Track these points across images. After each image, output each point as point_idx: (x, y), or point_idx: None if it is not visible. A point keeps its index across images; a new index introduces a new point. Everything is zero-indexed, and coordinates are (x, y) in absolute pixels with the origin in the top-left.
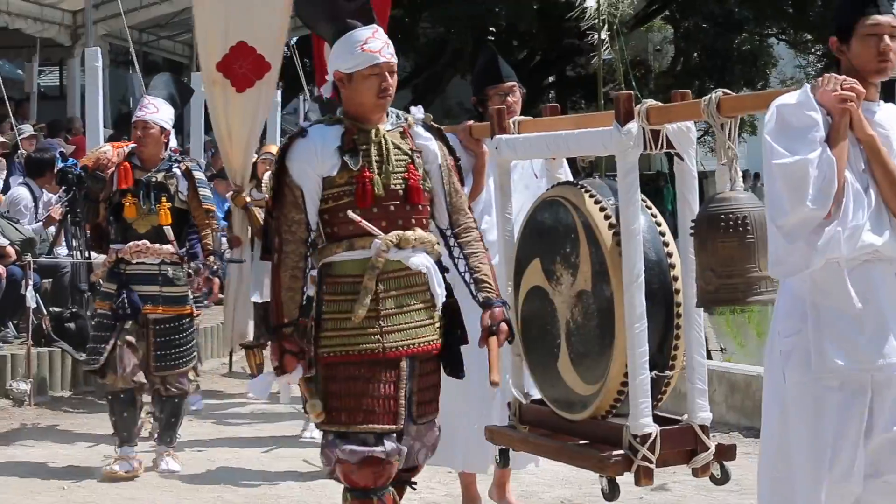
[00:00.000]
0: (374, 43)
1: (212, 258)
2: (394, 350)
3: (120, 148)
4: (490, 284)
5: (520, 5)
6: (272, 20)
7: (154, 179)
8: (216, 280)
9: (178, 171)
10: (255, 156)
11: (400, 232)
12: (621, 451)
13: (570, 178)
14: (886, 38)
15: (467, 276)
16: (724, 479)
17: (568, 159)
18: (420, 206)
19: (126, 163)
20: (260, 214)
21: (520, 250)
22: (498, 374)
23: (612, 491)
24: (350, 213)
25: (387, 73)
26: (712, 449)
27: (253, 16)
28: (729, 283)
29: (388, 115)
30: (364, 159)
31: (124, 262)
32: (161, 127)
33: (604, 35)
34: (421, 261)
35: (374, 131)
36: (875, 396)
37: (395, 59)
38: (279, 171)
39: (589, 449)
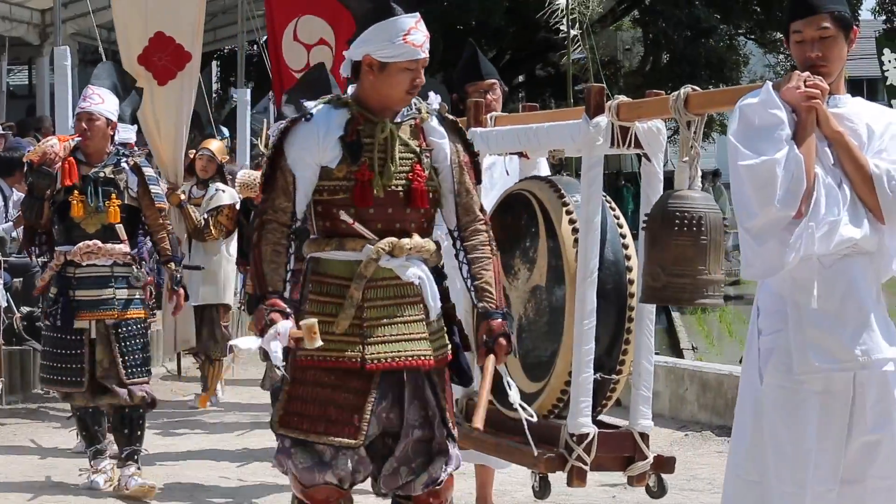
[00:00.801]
0: (416, 35)
1: (171, 265)
2: (374, 362)
3: (66, 141)
4: (491, 293)
5: (490, 2)
6: (189, 9)
7: (101, 175)
8: (181, 291)
9: (126, 166)
10: (193, 151)
11: (394, 239)
12: (557, 450)
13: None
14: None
15: (469, 282)
16: (660, 492)
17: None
18: (422, 210)
19: (70, 158)
20: (195, 213)
21: None
22: (481, 417)
23: (542, 489)
24: (344, 216)
25: (420, 69)
26: (650, 459)
27: (170, 5)
28: (677, 283)
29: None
30: (366, 155)
31: (73, 264)
32: (107, 118)
33: (574, 33)
34: (413, 272)
35: (381, 126)
36: (856, 397)
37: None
38: (275, 153)
39: (524, 446)
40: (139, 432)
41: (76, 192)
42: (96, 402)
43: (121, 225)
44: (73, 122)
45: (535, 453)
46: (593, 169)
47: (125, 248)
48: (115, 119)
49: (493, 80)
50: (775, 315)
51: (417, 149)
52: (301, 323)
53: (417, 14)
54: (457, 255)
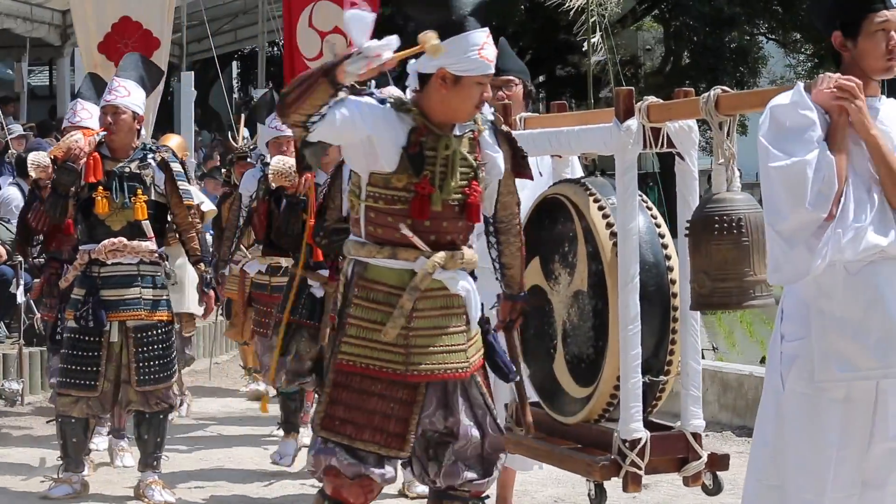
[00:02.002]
0: (489, 50)
1: (202, 265)
2: (416, 374)
3: (91, 136)
4: (517, 281)
5: (508, 4)
6: None
7: (127, 170)
8: (211, 293)
9: (153, 162)
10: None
11: (448, 253)
12: (611, 456)
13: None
14: (894, 33)
15: (496, 265)
16: (715, 489)
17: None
18: (471, 224)
19: (95, 153)
20: None
21: None
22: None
23: (598, 496)
24: (403, 230)
25: (489, 84)
26: (704, 458)
27: None
28: (723, 287)
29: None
30: (429, 169)
31: (98, 263)
32: (133, 112)
33: (595, 39)
34: (462, 284)
35: (444, 141)
36: (878, 404)
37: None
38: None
39: (578, 453)
40: (159, 439)
41: (101, 188)
42: (109, 409)
43: (147, 221)
44: (99, 115)
45: (589, 460)
46: (628, 173)
47: (152, 245)
48: (141, 112)
49: (509, 77)
50: (799, 321)
51: (475, 163)
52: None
53: (487, 28)
54: (488, 239)
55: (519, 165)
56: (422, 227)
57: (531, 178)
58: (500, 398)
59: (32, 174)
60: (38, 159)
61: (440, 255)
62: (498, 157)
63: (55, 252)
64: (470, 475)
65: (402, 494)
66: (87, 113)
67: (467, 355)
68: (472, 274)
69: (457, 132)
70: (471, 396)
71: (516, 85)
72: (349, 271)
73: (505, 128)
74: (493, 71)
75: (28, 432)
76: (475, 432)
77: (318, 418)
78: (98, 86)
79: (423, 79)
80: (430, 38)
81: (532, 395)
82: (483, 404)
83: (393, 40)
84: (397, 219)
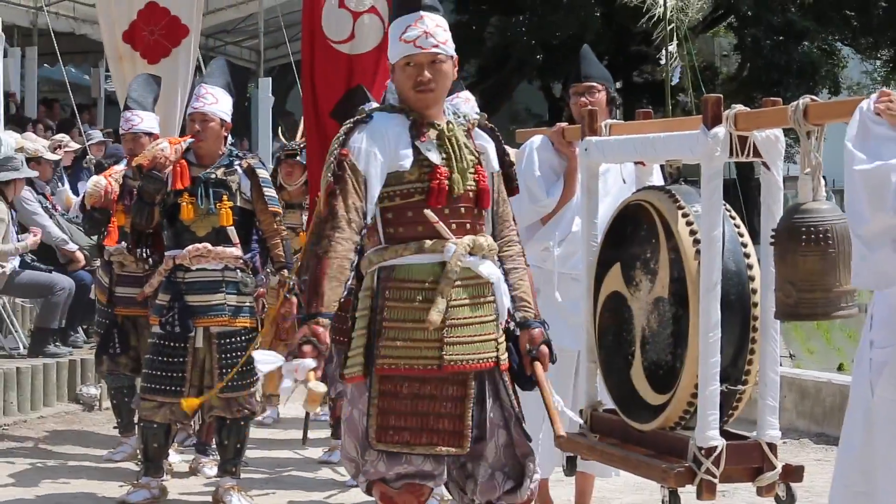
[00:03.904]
0: (411, 31)
1: (285, 272)
2: (452, 364)
3: (177, 144)
4: (529, 303)
5: (584, 13)
6: None
7: (213, 177)
8: (293, 299)
9: (239, 169)
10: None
11: (474, 237)
12: (685, 464)
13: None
14: None
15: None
16: (789, 500)
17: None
18: (485, 212)
19: (182, 160)
20: None
21: (601, 255)
22: (559, 425)
23: (672, 503)
24: (428, 213)
25: (424, 65)
26: (779, 469)
27: None
28: (809, 298)
29: (445, 112)
30: (441, 156)
31: (182, 268)
32: (221, 119)
33: (672, 48)
34: (491, 270)
35: (445, 125)
36: None
37: (441, 49)
38: (341, 154)
39: (654, 459)
40: (239, 445)
41: (186, 194)
42: (192, 416)
43: (233, 228)
44: (187, 122)
45: (664, 467)
46: (713, 180)
47: (237, 251)
48: (229, 119)
49: (592, 84)
50: (889, 327)
51: (475, 151)
52: (311, 385)
53: (420, 12)
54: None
55: (507, 174)
56: (441, 215)
57: (517, 192)
58: (577, 403)
59: (86, 203)
60: (91, 188)
61: (468, 239)
62: (490, 148)
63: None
64: (507, 485)
65: None
66: (212, 98)
67: (497, 344)
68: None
69: (452, 121)
70: (501, 395)
71: (599, 91)
72: (373, 282)
73: (491, 125)
74: (413, 52)
75: (106, 437)
76: (503, 434)
77: (372, 432)
78: (150, 87)
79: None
80: (316, 386)
81: (608, 402)
82: (510, 406)
83: (302, 365)
84: (416, 212)
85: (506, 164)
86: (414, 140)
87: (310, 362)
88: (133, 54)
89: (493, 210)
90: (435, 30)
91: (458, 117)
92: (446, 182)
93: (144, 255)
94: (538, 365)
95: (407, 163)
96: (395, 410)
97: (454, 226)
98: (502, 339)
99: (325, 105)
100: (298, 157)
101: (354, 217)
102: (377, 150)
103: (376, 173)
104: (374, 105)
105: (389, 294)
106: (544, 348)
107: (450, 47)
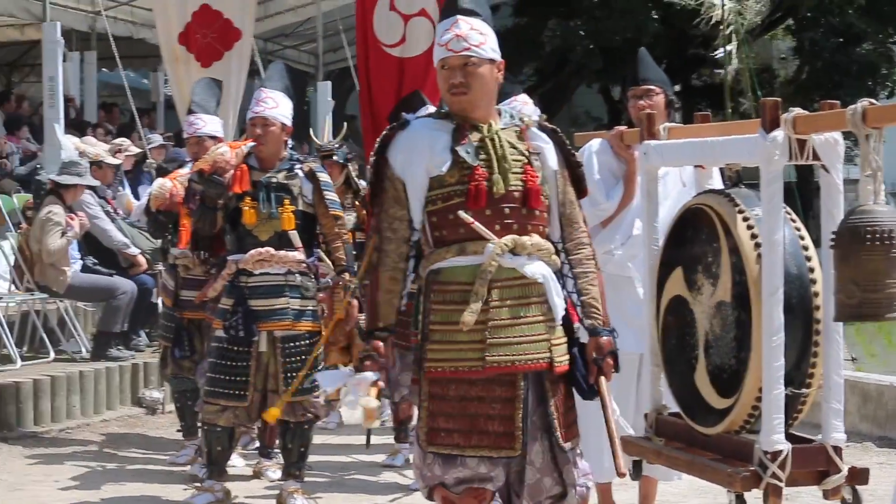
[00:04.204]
0: (445, 35)
1: (346, 275)
2: (495, 365)
3: (237, 148)
4: (598, 310)
5: (642, 17)
6: None
7: (274, 180)
8: (354, 303)
9: (300, 172)
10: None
11: (516, 236)
12: (751, 468)
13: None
14: None
15: (575, 297)
16: (855, 503)
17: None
18: (538, 212)
19: (243, 164)
20: None
21: (663, 258)
22: (620, 457)
23: None
24: (461, 214)
25: (457, 69)
26: (845, 471)
27: None
28: (872, 298)
29: (500, 115)
30: (481, 158)
31: (245, 273)
32: (282, 123)
33: (730, 47)
34: (538, 269)
35: (486, 127)
36: None
37: (473, 52)
38: (378, 163)
39: (719, 463)
40: (303, 449)
41: (248, 198)
42: (255, 419)
43: (295, 232)
44: (247, 127)
45: (730, 471)
46: (773, 184)
47: (300, 255)
48: (289, 123)
49: (650, 87)
50: None
51: (526, 152)
52: (363, 402)
53: (457, 17)
54: (560, 268)
55: (575, 175)
56: (484, 217)
57: (585, 194)
58: (640, 407)
59: (151, 205)
60: (157, 190)
61: (507, 238)
62: (547, 148)
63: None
64: (555, 490)
65: None
66: (273, 102)
67: (550, 345)
68: (559, 274)
69: (502, 125)
70: (547, 399)
71: (657, 94)
72: (424, 284)
73: (552, 126)
74: (446, 55)
75: (168, 441)
76: (545, 437)
77: (423, 434)
78: (212, 91)
79: None
80: (367, 402)
81: (672, 405)
82: (552, 412)
83: (364, 379)
84: (458, 215)
85: (573, 164)
86: (455, 144)
87: (370, 376)
88: (188, 56)
89: (559, 211)
90: (469, 33)
91: (514, 119)
92: (484, 183)
93: (201, 257)
94: (602, 379)
95: (445, 167)
96: (444, 413)
97: (498, 227)
98: (559, 341)
99: (380, 108)
100: (335, 157)
101: (399, 226)
102: (414, 157)
103: (415, 180)
104: (431, 109)
105: (434, 297)
106: (609, 360)
107: (486, 50)
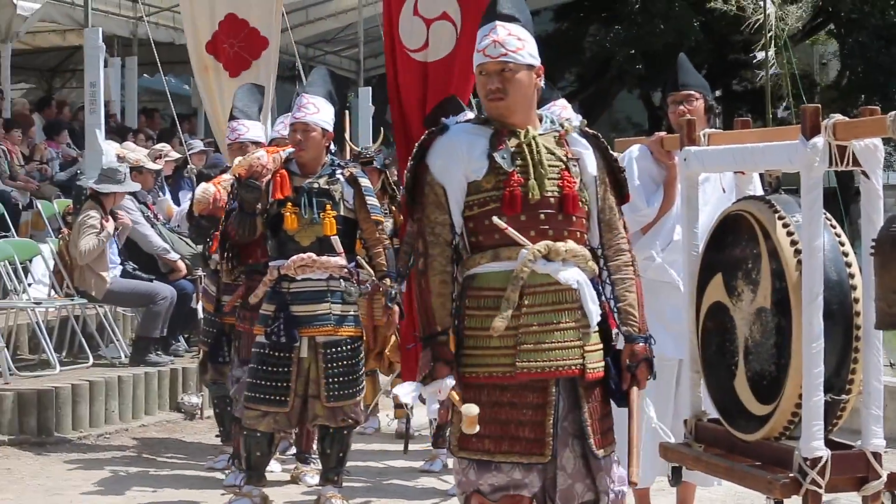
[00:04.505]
0: (484, 41)
1: (387, 280)
2: (525, 371)
3: (275, 153)
4: (634, 316)
5: (683, 22)
6: None
7: (315, 186)
8: (395, 308)
9: (341, 178)
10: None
11: (550, 242)
12: (791, 474)
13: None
14: None
15: (612, 303)
16: None
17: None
18: (574, 218)
19: (283, 170)
20: None
21: (703, 264)
22: (636, 465)
23: None
24: (495, 220)
25: (494, 74)
26: (884, 477)
27: None
28: None
29: (541, 120)
30: (516, 164)
31: (287, 279)
32: (323, 129)
33: (769, 52)
34: (572, 275)
35: (524, 133)
36: None
37: (511, 58)
38: (417, 169)
39: (759, 470)
40: (342, 454)
41: (290, 204)
42: (294, 425)
43: (336, 237)
44: (288, 133)
45: (770, 478)
46: (813, 190)
47: (341, 260)
48: (330, 129)
49: (689, 92)
50: None
51: (564, 157)
52: (464, 409)
53: (496, 22)
54: (598, 274)
55: (617, 181)
56: (519, 223)
57: (627, 200)
58: (680, 413)
59: (194, 210)
60: (200, 195)
61: (541, 244)
62: (587, 154)
63: (256, 264)
64: (587, 496)
65: None
66: (314, 108)
67: (583, 351)
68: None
69: (541, 131)
70: (580, 405)
71: (697, 99)
72: (461, 290)
73: (593, 132)
74: (483, 61)
75: (207, 446)
76: (577, 444)
77: (454, 439)
78: (254, 96)
79: None
80: (469, 409)
81: (712, 412)
82: (585, 419)
83: (444, 385)
84: (493, 221)
85: (615, 170)
86: (492, 150)
87: (449, 381)
88: (217, 65)
89: (598, 217)
90: (506, 38)
91: (554, 124)
92: (519, 189)
93: (230, 265)
94: (634, 389)
95: (481, 172)
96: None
97: (533, 233)
98: (594, 347)
99: (409, 114)
100: (374, 163)
101: (441, 231)
102: (452, 162)
103: (454, 185)
104: (470, 115)
105: (469, 302)
106: (643, 368)
107: (524, 56)
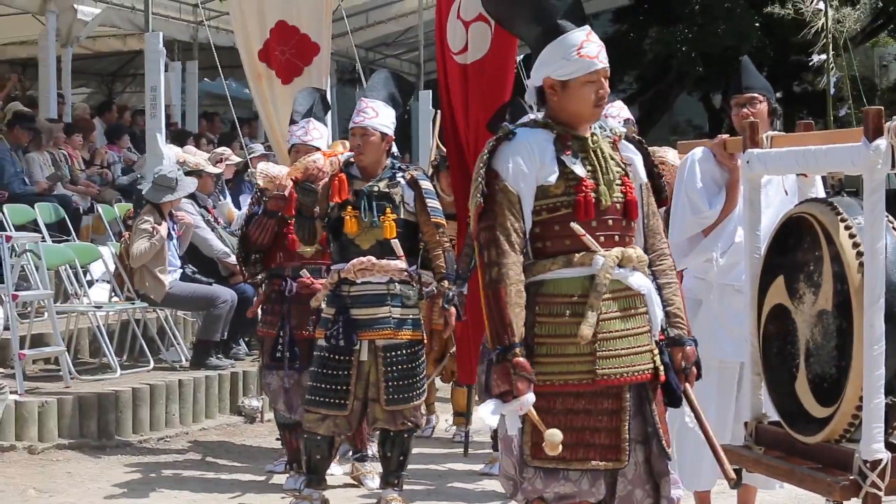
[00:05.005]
0: (590, 47)
1: (445, 283)
2: (605, 378)
3: (332, 156)
4: (682, 320)
5: (743, 24)
6: None
7: (376, 189)
8: (452, 310)
9: (402, 181)
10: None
11: (623, 249)
12: (851, 477)
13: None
14: None
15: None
16: None
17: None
18: (634, 224)
19: (342, 174)
20: None
21: (764, 267)
22: (727, 461)
23: None
24: (574, 226)
25: (603, 80)
26: None
27: None
28: None
29: (590, 126)
30: (587, 168)
31: (347, 282)
32: (382, 133)
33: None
34: (641, 281)
35: (590, 138)
36: None
37: (608, 63)
38: (489, 175)
39: (818, 472)
40: (402, 458)
41: (349, 207)
42: (355, 428)
43: (396, 240)
44: (349, 137)
45: (830, 481)
46: (875, 193)
47: (402, 264)
48: (390, 133)
49: (753, 94)
50: None
51: (622, 163)
52: (547, 435)
53: (587, 27)
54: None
55: (656, 185)
56: (589, 228)
57: (666, 204)
58: (740, 416)
59: (259, 182)
60: (268, 170)
61: (616, 251)
62: (637, 160)
63: (277, 269)
64: (646, 502)
65: None
66: (373, 112)
67: (654, 355)
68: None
69: (597, 134)
70: (644, 409)
71: (760, 102)
72: (528, 297)
73: (639, 138)
74: (599, 66)
75: (267, 449)
76: (640, 449)
77: (528, 448)
78: (325, 103)
79: (540, 92)
80: (552, 435)
81: (772, 414)
82: (654, 421)
83: (525, 402)
84: (563, 226)
85: (654, 175)
86: (559, 154)
87: (530, 397)
88: (269, 73)
89: (643, 223)
90: (601, 43)
91: (605, 130)
92: (592, 195)
93: (255, 270)
94: (689, 390)
95: (553, 177)
96: (550, 426)
97: (602, 238)
98: (656, 350)
99: (457, 116)
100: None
101: (516, 239)
102: (525, 167)
103: (528, 190)
104: (531, 118)
105: (539, 309)
106: (694, 369)
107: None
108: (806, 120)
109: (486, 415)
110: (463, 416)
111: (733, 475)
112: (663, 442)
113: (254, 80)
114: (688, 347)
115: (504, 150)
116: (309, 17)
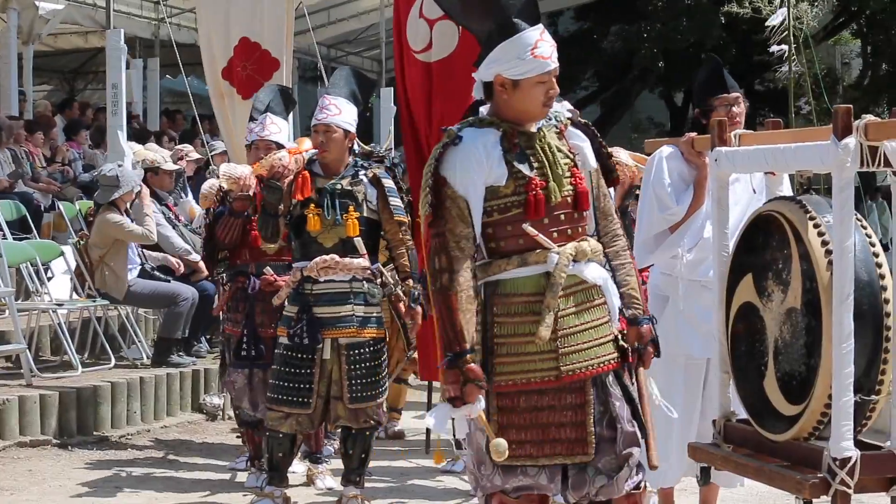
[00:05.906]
0: (544, 47)
1: (410, 282)
2: (570, 374)
3: (297, 154)
4: (637, 299)
5: (706, 21)
6: (274, 9)
7: (338, 187)
8: (418, 309)
9: (364, 178)
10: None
11: (576, 244)
12: (820, 475)
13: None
14: None
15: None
16: None
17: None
18: (586, 213)
19: (305, 171)
20: None
21: (733, 265)
22: (654, 452)
23: None
24: (527, 227)
25: (553, 80)
26: None
27: (253, 6)
28: None
29: None
30: (536, 166)
31: (310, 280)
32: (345, 130)
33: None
34: (597, 272)
35: (538, 134)
36: None
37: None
38: (436, 182)
39: (788, 470)
40: (364, 455)
41: (312, 205)
42: (317, 426)
43: (359, 238)
44: (311, 134)
45: (799, 478)
46: (844, 191)
47: (364, 262)
48: (353, 130)
49: (738, 94)
50: None
51: (570, 153)
52: (492, 445)
53: (541, 26)
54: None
55: (605, 165)
56: (541, 225)
57: (617, 183)
58: (707, 413)
59: (224, 184)
60: (232, 171)
61: (570, 247)
62: (585, 146)
63: (242, 266)
64: (599, 481)
65: None
66: (336, 109)
67: (617, 343)
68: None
69: (543, 128)
70: (608, 392)
71: (744, 102)
72: (484, 297)
73: (584, 121)
74: (551, 67)
75: (228, 446)
76: (607, 433)
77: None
78: (286, 99)
79: (487, 87)
80: (498, 445)
81: (741, 412)
82: (625, 399)
83: (475, 411)
84: (516, 226)
85: (603, 156)
86: (506, 153)
87: (480, 404)
88: (231, 90)
89: (594, 205)
90: (553, 42)
91: (550, 119)
92: (542, 193)
93: (218, 268)
94: (642, 371)
95: (502, 179)
96: (515, 425)
97: (555, 234)
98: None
99: (416, 115)
100: (384, 163)
101: (466, 245)
102: (473, 172)
103: (477, 195)
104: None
105: (497, 310)
106: (650, 348)
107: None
108: (771, 118)
109: (438, 424)
110: (398, 411)
111: (656, 464)
112: (641, 418)
113: (216, 98)
114: (643, 327)
115: (451, 155)
116: (271, 33)
